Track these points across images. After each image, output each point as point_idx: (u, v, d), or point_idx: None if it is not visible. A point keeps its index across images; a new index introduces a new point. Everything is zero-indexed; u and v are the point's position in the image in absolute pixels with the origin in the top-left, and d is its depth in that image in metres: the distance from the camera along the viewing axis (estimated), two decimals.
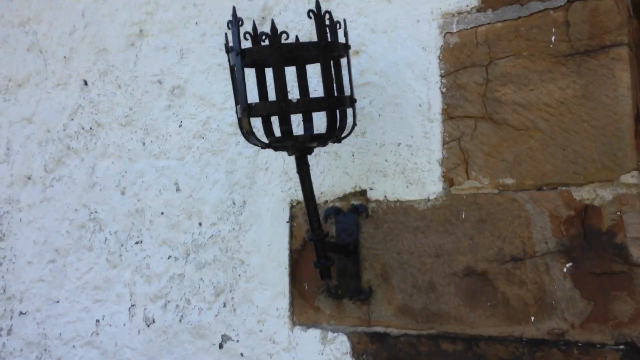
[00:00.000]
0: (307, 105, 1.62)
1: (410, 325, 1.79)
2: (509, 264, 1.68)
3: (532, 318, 1.63)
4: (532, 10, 1.71)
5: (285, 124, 1.56)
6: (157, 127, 2.37)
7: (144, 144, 2.40)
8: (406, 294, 1.80)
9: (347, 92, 1.76)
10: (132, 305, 2.37)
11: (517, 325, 1.65)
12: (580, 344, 1.56)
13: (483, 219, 1.73)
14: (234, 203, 2.17)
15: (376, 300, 1.85)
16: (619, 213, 1.55)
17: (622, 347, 1.51)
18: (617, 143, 1.57)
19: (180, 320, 2.25)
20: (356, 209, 1.90)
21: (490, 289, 1.70)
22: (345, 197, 1.95)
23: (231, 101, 2.18)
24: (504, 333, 1.66)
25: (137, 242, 2.38)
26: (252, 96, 1.73)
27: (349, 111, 1.75)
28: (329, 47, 1.60)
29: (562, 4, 1.66)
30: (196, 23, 2.30)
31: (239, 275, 2.14)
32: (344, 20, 1.76)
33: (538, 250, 1.64)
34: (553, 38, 1.67)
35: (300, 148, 1.65)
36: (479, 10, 1.78)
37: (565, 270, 1.60)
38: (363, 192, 1.91)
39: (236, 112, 1.66)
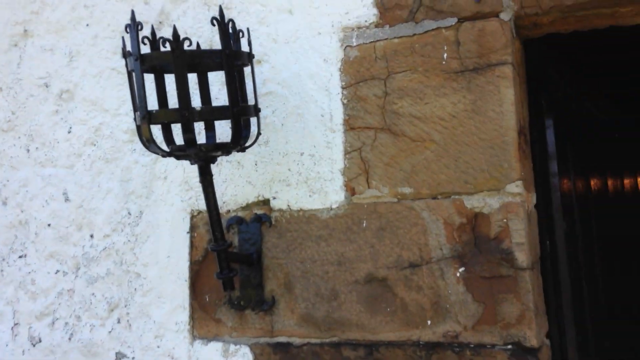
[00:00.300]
0: (211, 114, 1.60)
1: (313, 333, 1.80)
2: (407, 270, 1.74)
3: (429, 322, 1.70)
4: (425, 28, 1.79)
5: (189, 132, 1.52)
6: (43, 133, 2.21)
7: (28, 150, 2.23)
8: (309, 303, 1.82)
9: (251, 101, 1.75)
10: (16, 324, 2.18)
11: (414, 329, 1.71)
12: (472, 346, 1.65)
13: (383, 227, 1.79)
14: (129, 213, 2.08)
15: (279, 310, 1.84)
16: (505, 220, 1.66)
17: (510, 347, 1.61)
18: (503, 155, 1.69)
19: (69, 339, 2.11)
20: (259, 219, 1.89)
21: (389, 295, 1.76)
22: (248, 207, 1.93)
23: (126, 107, 2.09)
24: (403, 337, 1.72)
25: (20, 256, 2.20)
26: (149, 102, 1.67)
27: (253, 120, 1.74)
28: (233, 55, 1.58)
29: (453, 23, 1.76)
30: (87, 25, 2.18)
31: (135, 289, 2.05)
32: (247, 29, 1.75)
33: (434, 256, 1.72)
34: (445, 55, 1.77)
35: (204, 157, 1.62)
36: (377, 25, 1.85)
37: (458, 275, 1.69)
38: (266, 202, 1.91)
39: (134, 119, 1.60)
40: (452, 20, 1.77)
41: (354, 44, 1.87)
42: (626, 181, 2.62)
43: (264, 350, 1.83)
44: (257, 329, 1.86)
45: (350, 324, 1.78)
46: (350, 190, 1.83)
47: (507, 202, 1.67)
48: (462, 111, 1.74)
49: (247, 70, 1.76)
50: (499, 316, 1.64)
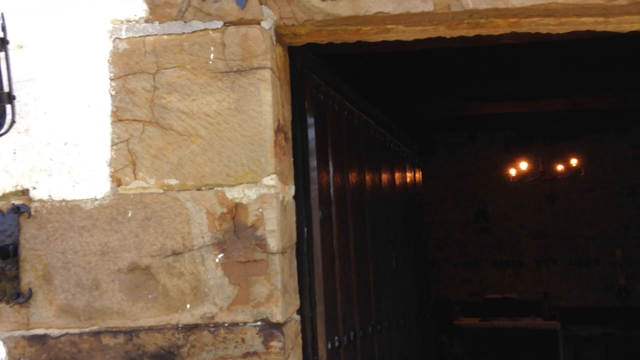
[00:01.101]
0: None
1: (73, 324, 1.80)
2: (170, 257, 1.83)
3: (188, 305, 1.81)
4: (194, 28, 1.89)
5: None
6: None
7: None
8: (69, 294, 1.81)
9: (6, 89, 1.68)
10: None
11: (175, 313, 1.81)
12: (226, 324, 1.80)
13: (148, 217, 1.85)
14: None
15: (37, 302, 1.81)
16: (260, 210, 1.83)
17: (259, 323, 1.79)
18: (261, 151, 1.85)
19: None
20: (17, 209, 1.82)
21: (152, 282, 1.83)
22: (4, 197, 1.85)
23: None
24: (163, 322, 1.81)
25: None
26: None
27: (8, 108, 1.67)
28: None
29: (219, 26, 1.88)
30: None
31: None
32: (2, 14, 1.68)
33: (196, 244, 1.83)
34: (212, 56, 1.88)
35: None
36: (147, 21, 1.89)
37: (217, 260, 1.82)
38: (25, 192, 1.85)
39: None
40: (219, 24, 1.89)
41: (123, 36, 1.89)
42: (384, 176, 2.99)
43: (18, 344, 1.78)
44: (11, 322, 1.80)
45: (111, 312, 1.82)
46: (117, 181, 1.86)
47: (263, 193, 1.84)
48: (226, 109, 1.87)
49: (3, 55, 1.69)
50: (251, 296, 1.80)
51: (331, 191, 2.36)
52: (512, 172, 6.92)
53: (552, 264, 9.07)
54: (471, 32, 1.97)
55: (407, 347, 3.08)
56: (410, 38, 2.03)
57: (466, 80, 6.46)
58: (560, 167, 6.70)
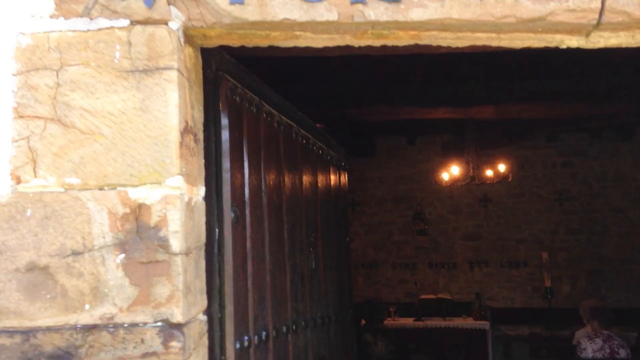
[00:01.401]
0: None
1: None
2: (69, 257, 1.81)
3: (87, 306, 1.79)
4: (100, 26, 1.87)
5: None
6: None
7: None
8: None
9: None
10: None
11: (73, 314, 1.79)
12: (126, 325, 1.79)
13: (48, 216, 1.82)
14: None
15: None
16: (164, 210, 1.84)
17: (159, 324, 1.79)
18: (166, 151, 1.86)
19: None
20: None
21: (51, 282, 1.80)
22: None
23: None
24: (61, 322, 1.78)
25: None
26: None
27: None
28: None
29: (126, 25, 1.87)
30: None
31: None
32: None
33: (96, 244, 1.82)
34: (118, 54, 1.87)
35: None
36: (52, 16, 1.87)
37: (118, 261, 1.81)
38: None
39: None
40: (125, 22, 1.88)
41: (27, 32, 1.86)
42: (306, 178, 3.04)
43: None
44: None
45: (8, 312, 1.78)
46: (16, 179, 1.83)
47: (167, 194, 1.84)
48: (131, 108, 1.87)
49: None
50: (152, 297, 1.80)
51: (246, 193, 2.38)
52: (445, 176, 7.13)
53: (484, 266, 9.38)
54: (377, 42, 2.03)
55: (325, 346, 3.13)
56: (320, 45, 2.07)
57: (404, 85, 6.62)
58: (489, 173, 6.94)
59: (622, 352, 5.41)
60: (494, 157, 7.41)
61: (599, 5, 1.77)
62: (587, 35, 1.88)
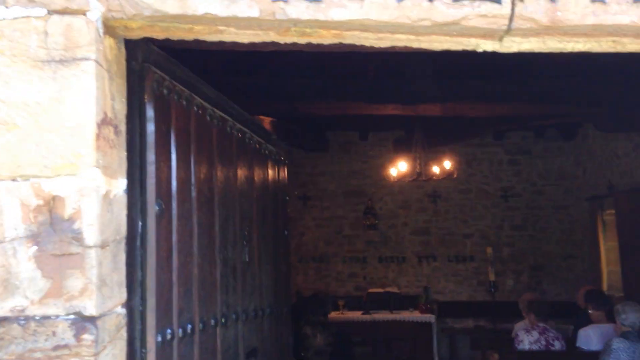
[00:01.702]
0: None
1: None
2: None
3: None
4: (16, 15, 1.84)
5: None
6: None
7: None
8: None
9: None
10: None
11: None
12: (37, 318, 1.77)
13: None
14: None
15: None
16: (79, 203, 1.82)
17: (71, 317, 1.78)
18: (82, 143, 1.84)
19: None
20: None
21: None
22: None
23: None
24: None
25: None
26: None
27: None
28: None
29: (43, 14, 1.84)
30: None
31: None
32: None
33: (8, 236, 1.79)
34: (34, 44, 1.84)
35: None
36: None
37: (30, 253, 1.79)
38: None
39: None
40: (43, 11, 1.85)
41: None
42: (240, 172, 3.05)
43: None
44: None
45: None
46: None
47: (82, 186, 1.83)
48: (47, 99, 1.84)
49: None
50: (64, 290, 1.79)
51: (173, 186, 2.38)
52: (393, 172, 7.24)
53: (432, 260, 9.58)
54: (302, 40, 2.05)
55: (257, 338, 3.16)
56: (246, 41, 2.08)
57: (355, 82, 6.68)
58: (436, 169, 7.09)
59: (557, 344, 5.63)
60: (441, 154, 7.57)
61: (509, 11, 1.84)
62: (500, 39, 1.95)
